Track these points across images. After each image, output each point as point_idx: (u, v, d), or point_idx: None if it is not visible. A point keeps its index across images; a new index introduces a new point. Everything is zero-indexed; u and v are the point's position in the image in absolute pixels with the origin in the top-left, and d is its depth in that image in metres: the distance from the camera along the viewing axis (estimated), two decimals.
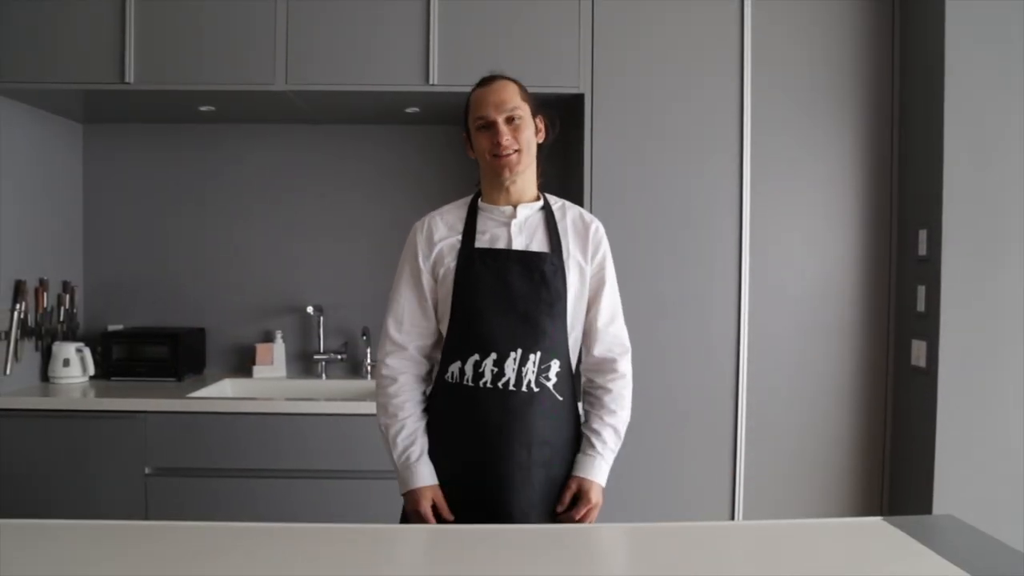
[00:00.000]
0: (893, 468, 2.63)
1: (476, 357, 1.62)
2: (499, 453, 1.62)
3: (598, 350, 1.75)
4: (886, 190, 2.62)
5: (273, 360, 2.96)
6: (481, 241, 1.69)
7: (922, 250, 2.49)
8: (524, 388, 1.62)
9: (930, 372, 2.45)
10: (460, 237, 1.69)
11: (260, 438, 2.46)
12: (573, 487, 1.68)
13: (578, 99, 2.56)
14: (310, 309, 2.99)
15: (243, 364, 3.03)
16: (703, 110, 2.57)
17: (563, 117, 2.67)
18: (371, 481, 2.44)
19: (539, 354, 1.63)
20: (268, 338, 3.03)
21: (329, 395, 2.88)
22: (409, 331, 1.72)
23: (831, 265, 2.62)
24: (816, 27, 2.58)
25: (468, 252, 1.67)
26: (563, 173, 2.85)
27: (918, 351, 2.51)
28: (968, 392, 2.42)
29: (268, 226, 3.06)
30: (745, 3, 2.55)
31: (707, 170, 2.57)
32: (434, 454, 1.69)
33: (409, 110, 2.78)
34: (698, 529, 1.49)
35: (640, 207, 2.56)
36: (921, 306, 2.49)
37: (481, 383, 1.62)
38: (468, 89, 1.73)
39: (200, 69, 2.51)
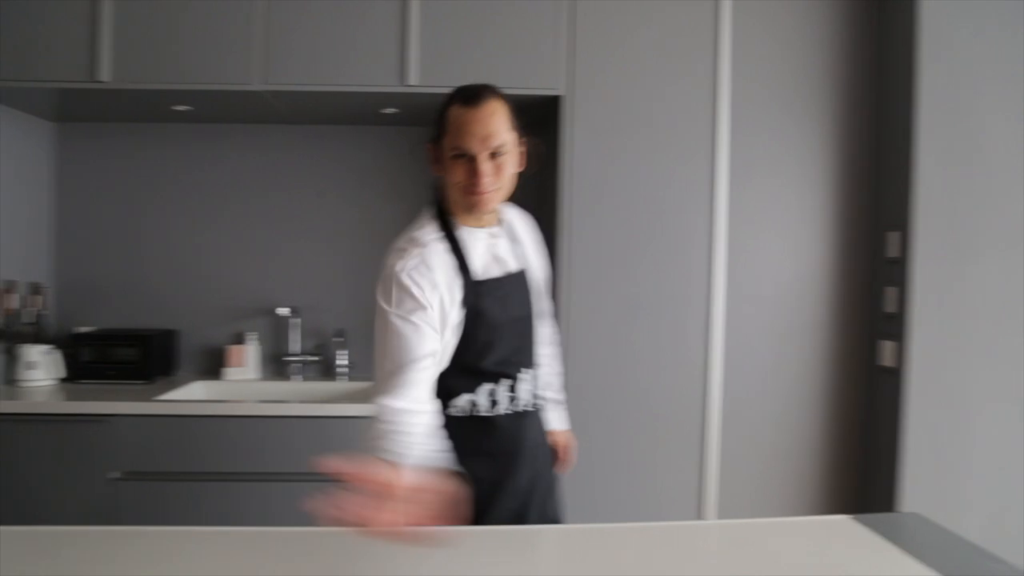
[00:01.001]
0: (864, 467, 2.64)
1: (490, 386, 1.57)
2: (528, 475, 1.63)
3: (545, 327, 1.83)
4: (860, 192, 2.65)
5: (245, 362, 2.93)
6: (478, 272, 1.56)
7: (893, 252, 2.52)
8: (532, 406, 1.64)
9: (899, 372, 2.47)
10: (458, 273, 1.52)
11: (231, 441, 2.43)
12: (563, 441, 1.87)
13: (557, 101, 2.56)
14: (283, 311, 2.96)
15: (215, 366, 2.99)
16: (679, 112, 2.58)
17: (540, 117, 2.69)
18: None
19: (533, 368, 1.65)
20: (240, 340, 3.00)
21: (302, 397, 2.85)
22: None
23: (805, 266, 2.64)
24: (795, 29, 2.61)
25: (473, 287, 1.53)
26: (537, 174, 2.84)
27: (888, 351, 2.54)
28: (936, 392, 2.46)
29: (242, 227, 3.03)
30: (720, 5, 2.57)
31: (682, 172, 2.58)
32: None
33: (386, 111, 2.77)
34: (667, 529, 1.48)
35: (617, 209, 2.57)
36: (892, 307, 2.52)
37: (497, 410, 1.58)
38: (446, 90, 1.58)
39: (176, 68, 2.49)
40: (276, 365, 3.03)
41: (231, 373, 2.90)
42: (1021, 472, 2.50)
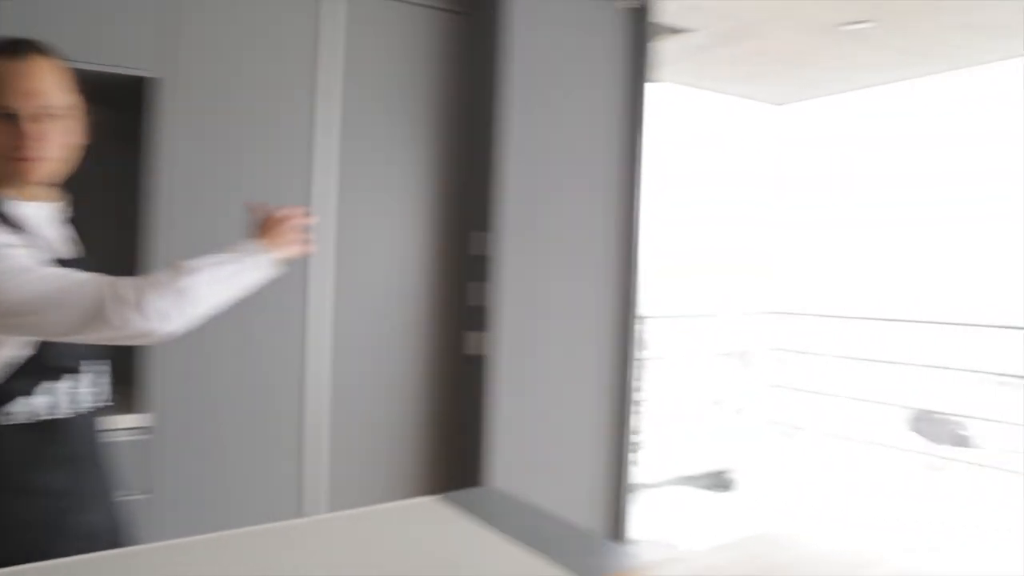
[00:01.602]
0: (462, 448, 2.90)
1: (53, 384, 1.37)
2: (101, 479, 1.49)
3: None
4: (455, 194, 2.88)
5: None
6: (41, 248, 1.35)
7: (481, 250, 2.81)
8: (98, 405, 1.49)
9: (485, 361, 2.78)
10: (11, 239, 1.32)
11: None
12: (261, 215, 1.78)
13: (147, 83, 2.33)
14: None
15: None
16: (282, 104, 2.54)
17: (127, 100, 2.42)
18: None
19: (100, 363, 1.49)
20: None
21: None
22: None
23: (408, 264, 2.80)
24: (404, 38, 2.73)
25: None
26: (123, 160, 2.56)
27: (474, 341, 2.84)
28: (517, 376, 2.81)
29: None
30: (322, 3, 2.57)
31: (281, 165, 2.55)
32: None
33: None
34: (252, 534, 1.41)
35: (210, 201, 2.42)
36: (479, 301, 2.82)
37: (64, 411, 1.39)
38: None
39: None
40: None
41: None
42: (585, 443, 2.99)
